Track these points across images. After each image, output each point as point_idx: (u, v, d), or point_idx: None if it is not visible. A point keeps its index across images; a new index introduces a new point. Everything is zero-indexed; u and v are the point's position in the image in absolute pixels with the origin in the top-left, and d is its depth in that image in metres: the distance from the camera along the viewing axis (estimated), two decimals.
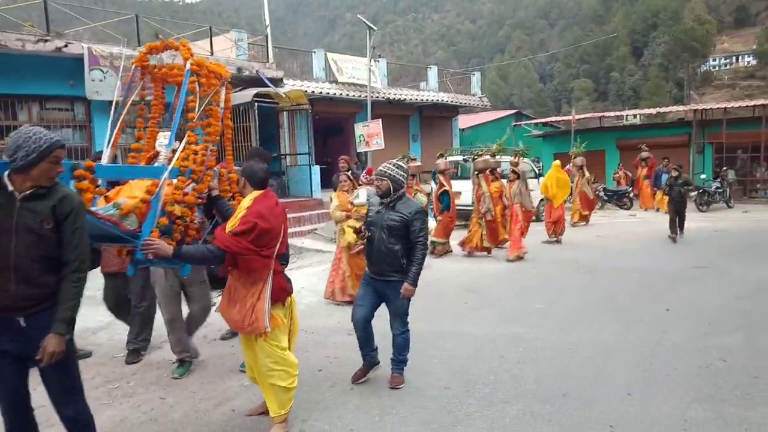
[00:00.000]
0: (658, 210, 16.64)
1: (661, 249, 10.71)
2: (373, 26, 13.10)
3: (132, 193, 3.69)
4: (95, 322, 6.16)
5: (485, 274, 8.94)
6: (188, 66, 3.91)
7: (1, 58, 9.60)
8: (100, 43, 11.33)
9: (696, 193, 17.34)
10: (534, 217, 15.08)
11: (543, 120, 30.10)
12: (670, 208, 11.34)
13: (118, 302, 5.35)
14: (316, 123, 15.38)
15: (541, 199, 13.58)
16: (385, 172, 4.38)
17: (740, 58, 70.55)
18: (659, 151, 19.33)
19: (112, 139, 4.10)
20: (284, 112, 14.13)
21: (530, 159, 18.10)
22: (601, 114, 27.08)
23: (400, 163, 4.53)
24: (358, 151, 13.46)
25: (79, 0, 13.66)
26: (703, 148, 21.23)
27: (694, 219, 13.83)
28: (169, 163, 3.75)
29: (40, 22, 11.05)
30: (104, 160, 3.99)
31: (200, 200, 3.97)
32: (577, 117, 22.91)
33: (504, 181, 10.96)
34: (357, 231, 4.58)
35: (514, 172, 10.44)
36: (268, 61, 13.79)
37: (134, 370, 4.90)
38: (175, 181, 3.75)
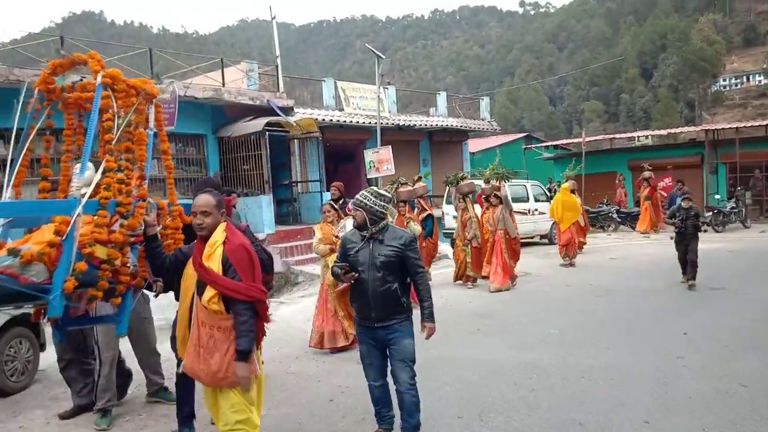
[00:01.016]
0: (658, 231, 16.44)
1: (676, 271, 10.53)
2: (381, 55, 13.29)
3: (42, 238, 3.05)
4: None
5: (497, 298, 8.86)
6: (99, 80, 3.36)
7: (18, 93, 9.82)
8: None
9: (710, 214, 17.12)
10: (547, 240, 15.07)
11: (553, 143, 30.10)
12: (679, 247, 9.25)
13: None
14: (326, 150, 15.51)
15: (554, 222, 13.52)
16: (360, 201, 3.84)
17: (751, 77, 70.31)
18: (672, 173, 19.23)
19: (13, 177, 3.44)
20: (295, 140, 14.27)
21: (540, 182, 18.11)
22: (611, 136, 27.03)
23: (381, 191, 4.01)
24: (368, 177, 13.52)
25: (96, 35, 14.00)
26: (716, 169, 21.06)
27: (709, 240, 13.65)
28: (84, 196, 3.15)
29: (54, 57, 11.30)
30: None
31: (134, 239, 3.33)
32: (588, 139, 22.86)
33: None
34: (339, 274, 3.89)
35: (496, 196, 9.86)
36: (278, 91, 13.99)
37: (144, 403, 4.88)
38: (95, 217, 3.15)
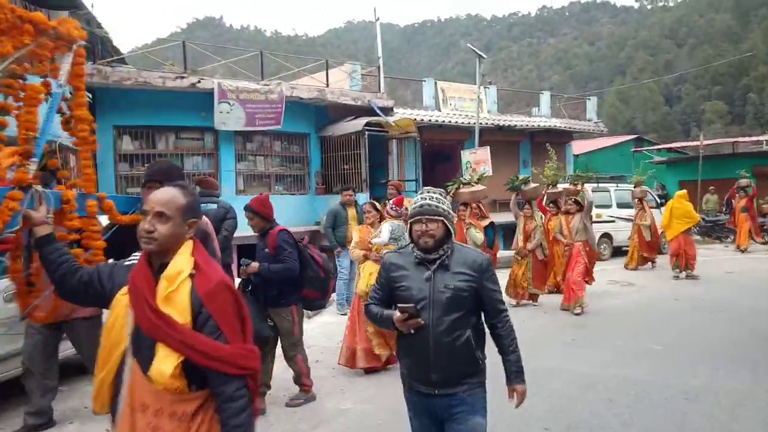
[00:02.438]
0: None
1: None
2: (482, 54, 13.13)
3: None
4: None
5: (595, 309, 8.45)
6: None
7: (145, 94, 10.75)
8: (233, 78, 12.42)
9: None
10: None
11: (666, 146, 28.18)
12: None
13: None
14: (424, 150, 15.56)
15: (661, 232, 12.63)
16: (438, 207, 2.60)
17: None
18: None
19: None
20: (393, 140, 14.45)
21: (649, 187, 17.01)
22: (734, 139, 24.89)
23: (440, 189, 2.85)
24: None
25: (215, 38, 14.99)
26: None
27: None
28: None
29: (178, 60, 12.25)
30: None
31: None
32: (706, 142, 21.21)
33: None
34: (387, 320, 2.65)
35: (576, 202, 8.49)
36: (379, 91, 14.24)
37: None
38: None
